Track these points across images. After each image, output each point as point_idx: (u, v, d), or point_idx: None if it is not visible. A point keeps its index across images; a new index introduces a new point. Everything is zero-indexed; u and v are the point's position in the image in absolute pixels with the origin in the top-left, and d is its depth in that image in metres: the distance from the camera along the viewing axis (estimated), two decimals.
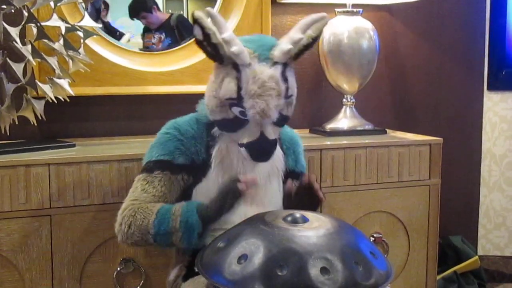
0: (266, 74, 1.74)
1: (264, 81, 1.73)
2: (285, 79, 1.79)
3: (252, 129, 1.78)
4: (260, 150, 1.81)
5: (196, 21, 1.70)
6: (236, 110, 1.77)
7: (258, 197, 1.89)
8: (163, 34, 2.72)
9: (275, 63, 1.77)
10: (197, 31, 1.72)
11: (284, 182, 1.99)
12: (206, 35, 1.71)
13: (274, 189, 1.96)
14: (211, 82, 1.84)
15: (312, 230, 1.58)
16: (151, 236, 1.77)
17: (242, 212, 1.83)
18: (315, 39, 1.85)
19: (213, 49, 1.74)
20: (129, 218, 1.79)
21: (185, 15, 2.79)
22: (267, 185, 1.93)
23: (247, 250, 1.52)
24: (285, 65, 1.80)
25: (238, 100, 1.75)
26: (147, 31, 2.74)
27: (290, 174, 2.02)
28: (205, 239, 1.77)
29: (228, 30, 1.74)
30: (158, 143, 1.88)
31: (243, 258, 1.51)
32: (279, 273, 1.46)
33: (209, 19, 1.71)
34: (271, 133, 1.80)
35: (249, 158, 1.81)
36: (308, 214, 1.65)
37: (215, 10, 2.68)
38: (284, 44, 1.79)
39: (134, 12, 2.71)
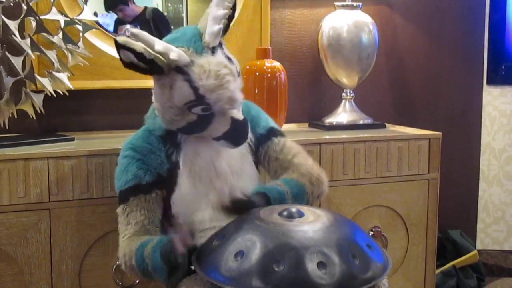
0: (214, 63, 1.70)
1: (216, 71, 1.68)
2: (228, 58, 1.77)
3: (221, 120, 1.76)
4: (238, 135, 1.79)
5: (122, 47, 1.65)
6: (197, 110, 1.73)
7: (237, 185, 1.86)
8: (138, 26, 2.69)
9: (212, 49, 1.74)
10: (127, 55, 1.66)
11: (256, 153, 1.96)
12: (139, 55, 1.65)
13: (248, 170, 1.93)
14: (158, 95, 1.78)
15: (308, 224, 1.58)
16: (142, 277, 1.80)
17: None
18: (234, 8, 1.80)
19: (149, 65, 1.68)
20: (123, 258, 1.79)
21: (184, 12, 2.78)
22: (242, 169, 1.90)
23: (243, 247, 1.52)
24: (220, 44, 1.77)
25: (197, 100, 1.71)
26: (120, 23, 2.71)
27: (259, 139, 1.97)
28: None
29: (158, 41, 1.68)
30: (121, 170, 1.86)
31: (239, 254, 1.51)
32: (276, 269, 1.45)
33: (135, 40, 1.66)
34: (239, 113, 1.78)
35: (231, 146, 1.80)
36: (304, 208, 1.65)
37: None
38: (212, 26, 1.74)
39: (112, 4, 2.69)
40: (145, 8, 2.75)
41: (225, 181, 1.85)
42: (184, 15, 2.78)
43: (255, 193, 1.78)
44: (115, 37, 1.66)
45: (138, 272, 1.75)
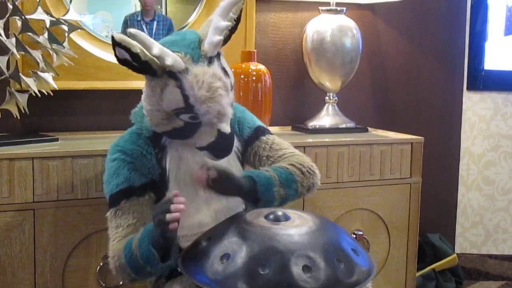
0: (209, 74, 1.66)
1: (210, 83, 1.64)
2: (224, 70, 1.73)
3: (207, 130, 1.72)
4: (222, 148, 1.76)
5: (118, 44, 1.61)
6: (185, 117, 1.69)
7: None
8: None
9: (209, 58, 1.70)
10: (122, 53, 1.63)
11: (243, 154, 1.95)
12: (134, 55, 1.62)
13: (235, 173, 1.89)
14: (148, 96, 1.74)
15: (294, 228, 1.58)
16: (134, 275, 1.74)
17: (212, 209, 1.82)
18: (238, 20, 1.78)
19: (143, 66, 1.65)
20: (112, 261, 1.77)
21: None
22: None
23: (229, 249, 1.52)
24: (218, 55, 1.73)
25: (186, 108, 1.67)
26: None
27: (247, 140, 1.96)
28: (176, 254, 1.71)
29: (155, 44, 1.63)
30: (111, 173, 1.82)
31: (225, 257, 1.51)
32: (262, 272, 1.46)
33: (132, 40, 1.63)
34: (226, 127, 1.74)
35: (213, 158, 1.76)
36: (290, 212, 1.65)
37: (198, 7, 2.68)
38: (212, 36, 1.69)
39: None
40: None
41: None
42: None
43: (242, 175, 1.77)
44: (113, 34, 1.62)
45: (130, 270, 1.72)
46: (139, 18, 2.69)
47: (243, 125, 1.96)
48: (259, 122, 2.01)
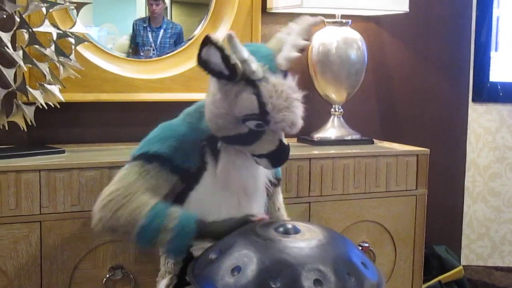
0: (287, 85, 1.72)
1: (288, 94, 1.71)
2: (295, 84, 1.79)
3: (270, 139, 1.76)
4: (281, 157, 1.81)
5: (213, 44, 1.63)
6: (251, 124, 1.73)
7: (247, 206, 1.88)
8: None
9: (283, 72, 1.76)
10: (211, 53, 1.65)
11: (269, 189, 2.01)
12: (226, 56, 1.65)
13: (260, 199, 1.96)
14: (218, 100, 1.75)
15: (304, 241, 1.58)
16: (137, 228, 1.70)
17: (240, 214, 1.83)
18: (308, 40, 1.85)
19: (228, 70, 1.68)
20: (120, 201, 1.72)
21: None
22: (256, 194, 1.92)
23: (240, 262, 1.52)
24: (286, 72, 1.79)
25: (260, 115, 1.71)
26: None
27: (273, 182, 2.03)
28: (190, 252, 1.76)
29: (244, 49, 1.68)
30: (158, 137, 1.83)
31: (236, 270, 1.50)
32: (273, 286, 1.45)
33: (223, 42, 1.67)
34: (285, 139, 1.81)
35: (270, 167, 1.83)
36: (300, 225, 1.65)
37: (204, 20, 2.70)
38: (290, 52, 1.77)
39: None
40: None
41: (249, 199, 1.89)
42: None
43: None
44: (208, 34, 1.65)
45: (142, 223, 1.70)
46: (145, 25, 2.70)
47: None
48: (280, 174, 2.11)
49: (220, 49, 1.63)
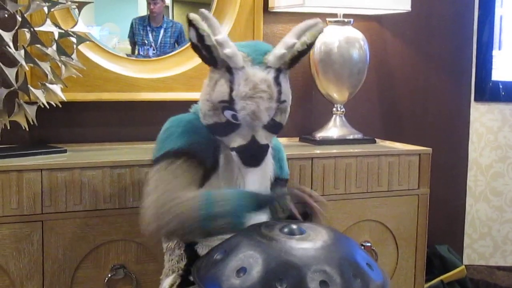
0: (258, 76, 1.73)
1: (255, 83, 1.71)
2: (278, 84, 1.77)
3: (243, 133, 1.76)
4: (251, 155, 1.78)
5: (190, 22, 1.69)
6: (228, 114, 1.75)
7: None
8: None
9: (268, 67, 1.76)
10: (192, 33, 1.71)
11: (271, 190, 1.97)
12: (200, 36, 1.69)
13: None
14: (205, 86, 1.82)
15: (310, 242, 1.57)
16: (198, 221, 1.65)
17: None
18: (310, 46, 1.83)
19: (207, 52, 1.73)
20: (169, 204, 1.66)
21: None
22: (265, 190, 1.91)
23: (245, 263, 1.51)
24: (279, 70, 1.78)
25: (230, 102, 1.73)
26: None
27: (276, 181, 1.99)
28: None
29: (221, 32, 1.73)
30: (180, 132, 1.80)
31: (241, 271, 1.49)
32: (279, 287, 1.45)
33: (203, 22, 1.70)
34: (263, 137, 1.78)
35: (240, 163, 1.78)
36: (305, 225, 1.65)
37: None
38: (278, 49, 1.78)
39: None
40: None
41: None
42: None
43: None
44: (188, 14, 1.69)
45: (188, 219, 1.65)
46: (145, 24, 2.70)
47: (282, 168, 2.03)
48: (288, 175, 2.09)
49: (195, 27, 1.68)
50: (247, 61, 1.74)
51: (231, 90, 1.73)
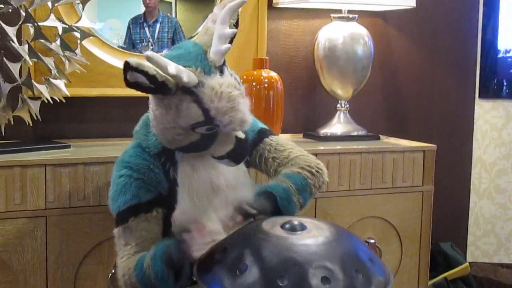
0: (225, 85, 1.65)
1: (228, 93, 1.64)
2: (235, 79, 1.72)
3: (225, 139, 1.72)
4: (241, 154, 1.77)
5: (134, 69, 1.57)
6: (201, 130, 1.69)
7: (232, 196, 1.83)
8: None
9: (219, 67, 1.69)
10: (136, 76, 1.59)
11: (249, 157, 1.93)
12: (151, 77, 1.58)
13: (243, 179, 1.91)
14: (160, 116, 1.71)
15: (311, 238, 1.55)
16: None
17: (221, 216, 1.77)
18: (237, 24, 1.77)
19: (159, 87, 1.61)
20: (122, 279, 1.74)
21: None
22: (237, 180, 1.88)
23: (246, 260, 1.50)
24: (224, 64, 1.72)
25: (206, 122, 1.66)
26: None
27: (251, 145, 1.92)
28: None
29: (170, 64, 1.60)
30: (118, 190, 1.78)
31: (243, 268, 1.49)
32: (280, 284, 1.43)
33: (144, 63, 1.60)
34: (241, 133, 1.75)
35: (232, 165, 1.77)
36: (306, 221, 1.63)
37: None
38: (219, 45, 1.69)
39: None
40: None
41: (223, 196, 1.83)
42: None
43: (260, 193, 1.77)
44: (128, 59, 1.59)
45: None
46: (141, 20, 2.69)
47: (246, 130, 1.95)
48: (261, 125, 2.00)
49: (143, 72, 1.58)
50: (199, 74, 1.66)
51: (205, 110, 1.64)
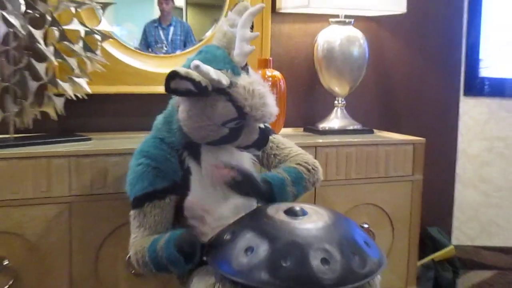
0: (255, 83, 1.69)
1: (258, 90, 1.67)
2: (255, 73, 1.76)
3: (251, 130, 1.76)
4: (265, 141, 1.81)
5: (184, 77, 1.59)
6: (231, 125, 1.71)
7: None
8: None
9: (244, 67, 1.73)
10: (183, 84, 1.61)
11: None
12: (197, 83, 1.60)
13: (251, 169, 1.90)
14: (195, 115, 1.71)
15: (312, 222, 1.57)
16: (156, 271, 1.73)
17: (230, 203, 1.82)
18: (252, 28, 1.80)
19: (201, 90, 1.62)
20: (134, 256, 1.76)
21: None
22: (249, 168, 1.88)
23: (252, 243, 1.51)
24: (246, 64, 1.75)
25: (240, 117, 1.69)
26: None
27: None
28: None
29: (211, 70, 1.61)
30: (137, 177, 1.79)
31: (249, 250, 1.50)
32: (284, 264, 1.45)
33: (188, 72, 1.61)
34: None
35: (256, 153, 1.82)
36: (307, 207, 1.65)
37: (219, 19, 2.68)
38: (243, 47, 1.71)
39: None
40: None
41: None
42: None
43: (260, 180, 1.78)
44: (175, 69, 1.60)
45: (152, 267, 1.71)
46: (156, 24, 2.68)
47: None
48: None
49: (191, 80, 1.60)
50: (230, 76, 1.68)
51: (239, 107, 1.67)
